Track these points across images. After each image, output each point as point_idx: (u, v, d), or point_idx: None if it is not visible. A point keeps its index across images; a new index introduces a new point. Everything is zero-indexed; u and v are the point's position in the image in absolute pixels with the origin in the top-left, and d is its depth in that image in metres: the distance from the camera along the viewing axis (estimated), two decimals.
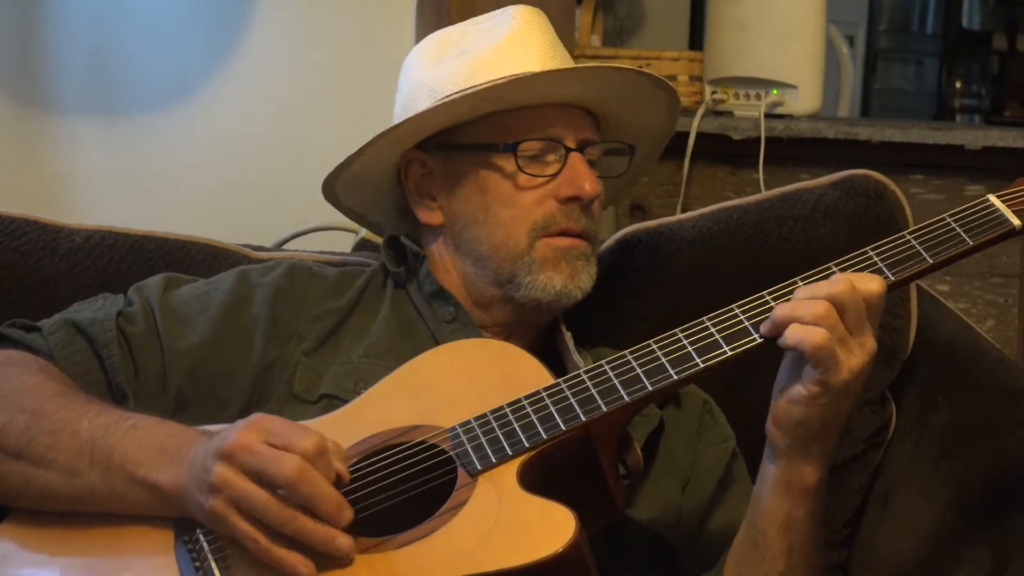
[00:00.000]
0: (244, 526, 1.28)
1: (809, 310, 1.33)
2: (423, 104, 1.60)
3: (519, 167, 1.56)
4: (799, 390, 1.35)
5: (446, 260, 1.63)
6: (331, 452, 1.30)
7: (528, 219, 1.57)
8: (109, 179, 2.51)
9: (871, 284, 1.36)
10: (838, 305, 1.33)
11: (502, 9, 1.64)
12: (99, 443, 1.37)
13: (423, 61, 1.65)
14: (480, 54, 1.59)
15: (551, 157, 1.58)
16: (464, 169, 1.59)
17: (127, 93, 2.52)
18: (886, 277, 1.38)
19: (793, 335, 1.33)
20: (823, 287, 1.35)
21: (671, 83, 1.66)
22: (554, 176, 1.57)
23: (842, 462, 1.74)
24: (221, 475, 1.28)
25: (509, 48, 1.59)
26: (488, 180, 1.58)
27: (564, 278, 1.57)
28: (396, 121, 1.63)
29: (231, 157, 2.50)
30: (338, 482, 1.29)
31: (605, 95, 1.62)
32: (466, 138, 1.60)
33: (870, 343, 1.35)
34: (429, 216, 1.63)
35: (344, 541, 1.27)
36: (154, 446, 1.36)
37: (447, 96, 1.57)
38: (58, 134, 2.51)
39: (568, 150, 1.58)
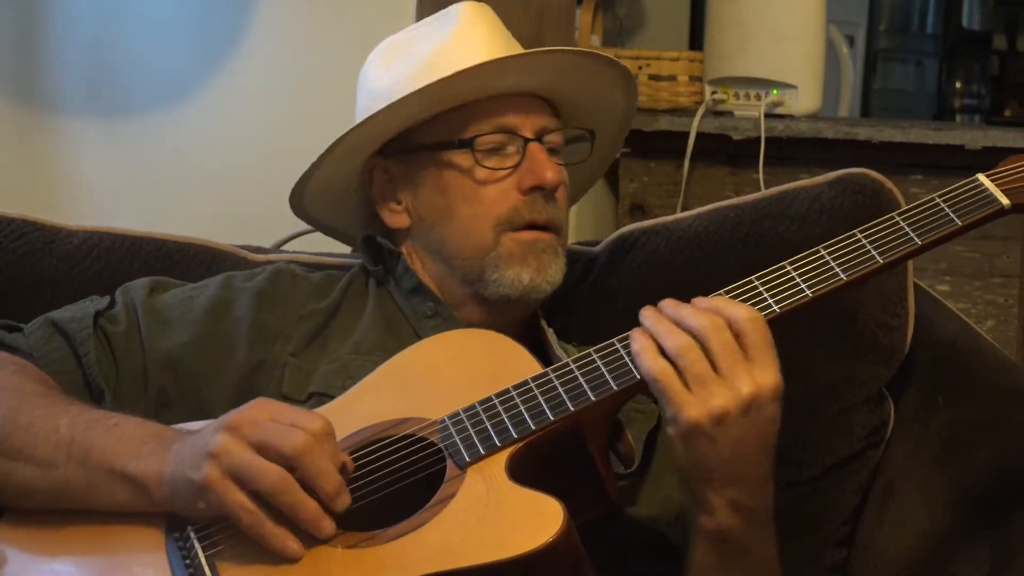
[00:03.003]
0: (238, 496, 1.26)
1: (670, 340, 1.30)
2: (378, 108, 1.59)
3: (476, 161, 1.56)
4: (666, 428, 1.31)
5: (417, 263, 1.63)
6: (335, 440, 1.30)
7: (492, 214, 1.56)
8: (109, 179, 2.51)
9: (737, 311, 1.30)
10: (700, 338, 1.29)
11: (445, 9, 1.63)
12: (78, 438, 1.37)
13: (374, 69, 1.65)
14: (425, 56, 1.59)
15: (510, 149, 1.57)
16: (424, 170, 1.59)
17: (127, 93, 2.52)
18: (853, 268, 1.35)
19: (638, 360, 1.31)
20: (689, 315, 1.31)
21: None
22: (515, 168, 1.56)
23: (841, 461, 1.74)
24: (223, 443, 1.27)
25: (454, 46, 1.59)
26: (448, 178, 1.58)
27: (531, 272, 1.56)
28: None
29: (231, 157, 2.50)
30: (341, 470, 1.29)
31: (554, 81, 1.60)
32: (423, 138, 1.59)
33: (745, 386, 1.28)
34: (395, 220, 1.63)
35: (328, 524, 1.27)
36: (135, 440, 1.35)
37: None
38: (58, 134, 2.51)
39: (526, 140, 1.57)
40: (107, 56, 2.51)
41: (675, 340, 1.29)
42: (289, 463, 1.26)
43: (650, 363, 1.30)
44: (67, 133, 2.50)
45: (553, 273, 1.57)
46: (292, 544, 1.26)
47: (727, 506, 1.33)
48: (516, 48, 1.63)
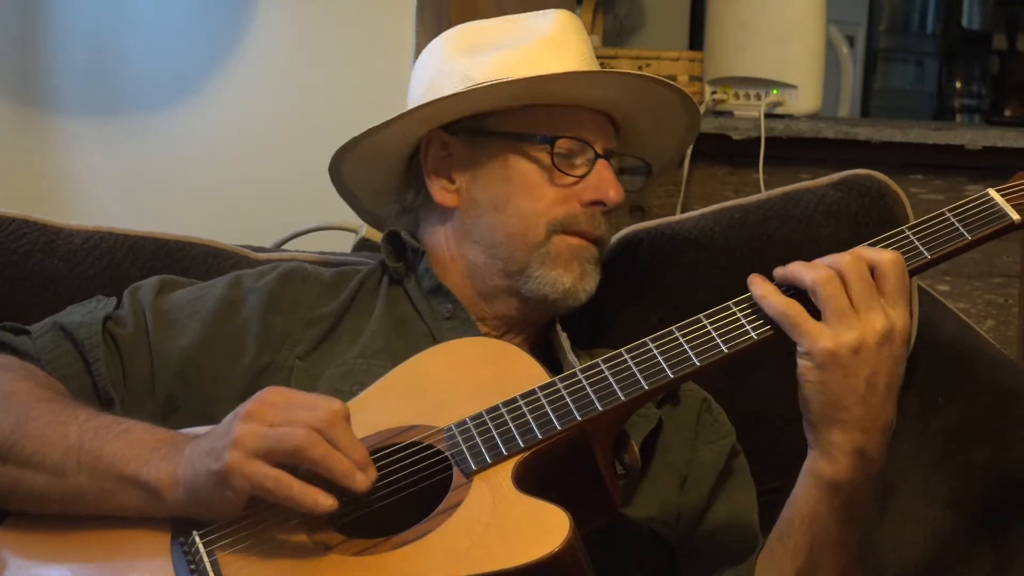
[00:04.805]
0: (262, 467, 1.25)
1: (809, 273, 1.33)
2: (455, 88, 1.59)
3: (553, 163, 1.57)
4: (798, 365, 1.34)
5: (452, 249, 1.62)
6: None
7: (549, 214, 1.57)
8: (109, 179, 2.51)
9: (881, 253, 1.34)
10: (840, 273, 1.32)
11: (542, 11, 1.64)
12: (87, 445, 1.36)
13: (451, 50, 1.64)
14: (522, 47, 1.60)
15: (580, 160, 1.59)
16: (491, 155, 1.59)
17: (127, 93, 2.53)
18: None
19: (764, 302, 1.34)
20: (828, 256, 1.34)
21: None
22: (581, 178, 1.58)
23: None
24: (243, 431, 1.26)
25: (551, 47, 1.60)
26: (516, 169, 1.58)
27: (574, 278, 1.57)
28: (412, 106, 1.62)
29: (231, 157, 2.50)
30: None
31: (637, 108, 1.62)
32: (498, 125, 1.60)
33: (879, 321, 1.32)
34: (444, 197, 1.62)
35: (362, 478, 1.26)
36: (145, 445, 1.35)
37: (486, 83, 1.57)
38: (58, 134, 2.51)
39: (597, 155, 1.59)
40: (107, 56, 2.51)
41: (813, 273, 1.33)
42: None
43: (777, 300, 1.33)
44: (67, 133, 2.51)
45: (590, 284, 1.59)
46: (323, 499, 1.25)
47: (852, 452, 1.34)
48: (598, 64, 1.65)
